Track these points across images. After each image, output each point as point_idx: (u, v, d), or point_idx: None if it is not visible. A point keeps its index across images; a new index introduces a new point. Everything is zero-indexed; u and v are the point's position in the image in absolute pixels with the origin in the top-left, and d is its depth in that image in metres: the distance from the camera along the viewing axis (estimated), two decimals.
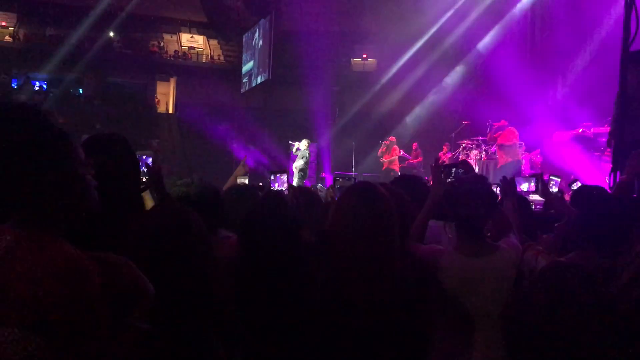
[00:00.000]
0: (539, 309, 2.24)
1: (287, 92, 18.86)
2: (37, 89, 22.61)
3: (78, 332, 1.27)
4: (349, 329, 2.02)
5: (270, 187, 3.67)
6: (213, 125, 18.00)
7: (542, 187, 3.68)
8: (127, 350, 1.41)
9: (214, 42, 24.40)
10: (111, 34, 22.53)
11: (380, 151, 14.88)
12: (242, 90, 21.08)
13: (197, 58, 23.66)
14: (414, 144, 15.27)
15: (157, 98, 23.48)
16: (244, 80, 21.03)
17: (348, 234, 2.09)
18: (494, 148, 12.53)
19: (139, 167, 2.39)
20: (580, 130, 10.54)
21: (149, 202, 2.61)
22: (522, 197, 3.55)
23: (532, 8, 14.02)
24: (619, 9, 10.50)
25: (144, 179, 2.56)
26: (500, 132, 11.16)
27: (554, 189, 4.42)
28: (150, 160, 2.72)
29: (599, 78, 11.18)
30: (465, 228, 2.44)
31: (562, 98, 12.82)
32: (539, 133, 11.65)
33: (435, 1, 15.55)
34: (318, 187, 11.20)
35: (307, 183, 12.75)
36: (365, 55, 20.48)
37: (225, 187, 3.51)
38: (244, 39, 21.38)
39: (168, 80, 24.16)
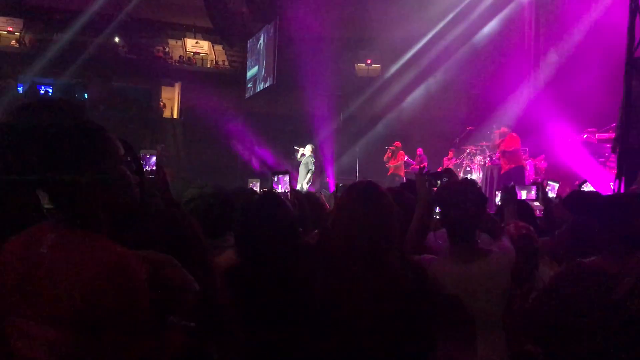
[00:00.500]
0: (557, 311, 2.21)
1: (291, 98, 18.88)
2: (42, 93, 22.71)
3: (123, 330, 1.26)
4: (346, 330, 2.00)
5: (273, 188, 3.66)
6: (222, 124, 17.98)
7: (542, 195, 3.68)
8: (171, 348, 1.40)
9: (218, 47, 24.47)
10: (116, 39, 22.62)
11: (386, 157, 14.86)
12: (247, 95, 21.12)
13: (202, 63, 23.73)
14: (419, 150, 15.26)
15: (162, 102, 23.54)
16: (249, 86, 21.07)
17: (347, 232, 2.07)
18: (498, 154, 12.51)
19: (143, 172, 2.38)
20: (584, 136, 10.51)
21: None
22: (526, 204, 3.55)
23: (536, 13, 14.02)
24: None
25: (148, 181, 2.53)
26: (503, 139, 11.12)
27: (551, 194, 4.42)
28: (153, 159, 2.68)
29: (604, 84, 11.19)
30: (457, 231, 2.42)
31: (565, 103, 12.80)
32: (543, 139, 11.62)
33: (439, 6, 15.56)
34: (322, 192, 11.19)
35: (311, 189, 12.74)
36: (369, 61, 20.51)
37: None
38: (248, 45, 21.44)
39: (173, 85, 24.23)
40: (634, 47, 3.91)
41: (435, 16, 15.85)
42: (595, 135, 10.41)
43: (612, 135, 8.36)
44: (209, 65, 23.78)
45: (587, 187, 5.55)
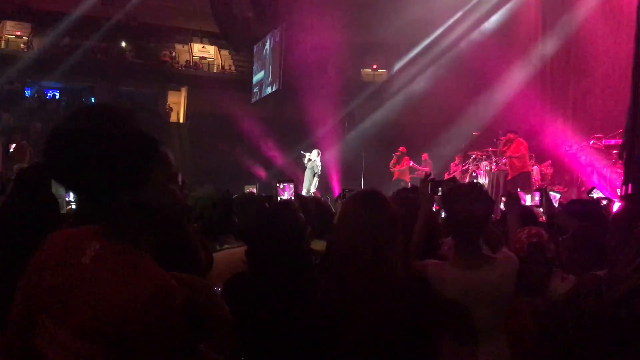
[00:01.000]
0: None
1: (297, 102, 18.91)
2: (49, 97, 22.87)
3: (155, 353, 1.23)
4: (349, 339, 2.00)
5: (279, 196, 3.69)
6: (229, 129, 18.02)
7: (545, 201, 3.67)
8: None
9: (225, 52, 24.55)
10: (123, 43, 22.74)
11: (392, 162, 14.86)
12: (253, 100, 21.18)
13: (209, 68, 23.80)
14: (424, 155, 15.24)
15: (169, 106, 23.62)
16: (255, 90, 21.13)
17: (350, 240, 2.07)
18: (504, 159, 12.48)
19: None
20: (591, 142, 10.48)
21: None
22: (530, 210, 3.52)
23: (543, 18, 14.01)
24: None
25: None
26: (510, 145, 11.09)
27: (554, 204, 4.41)
28: None
29: (612, 89, 11.16)
30: (462, 235, 2.41)
31: (572, 109, 12.77)
32: (550, 144, 11.60)
33: (445, 11, 15.58)
34: (328, 197, 11.19)
35: (317, 193, 12.77)
36: (375, 66, 20.53)
37: None
38: (254, 50, 21.52)
39: (179, 90, 24.32)
40: None
41: (441, 20, 15.88)
42: (602, 141, 10.37)
43: (619, 141, 8.33)
44: (215, 70, 23.86)
45: (596, 194, 5.53)
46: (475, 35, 15.37)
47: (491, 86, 14.10)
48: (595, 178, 9.51)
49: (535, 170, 11.57)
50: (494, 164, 12.73)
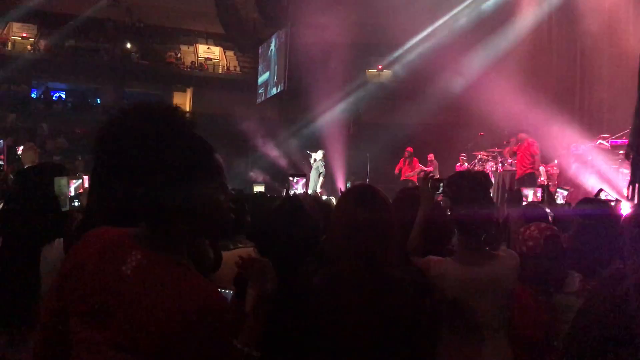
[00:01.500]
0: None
1: (302, 103, 18.92)
2: (56, 98, 22.96)
3: None
4: (345, 336, 1.98)
5: (292, 188, 3.69)
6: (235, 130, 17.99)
7: (547, 198, 3.67)
8: None
9: (230, 53, 24.60)
10: (129, 45, 22.82)
11: (400, 164, 14.82)
12: (258, 101, 21.21)
13: (214, 69, 23.84)
14: (430, 155, 15.22)
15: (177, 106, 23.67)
16: (260, 91, 21.17)
17: (343, 235, 2.04)
18: (510, 160, 12.44)
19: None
20: (597, 142, 10.44)
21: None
22: (539, 207, 3.51)
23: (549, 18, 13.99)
24: None
25: None
26: (521, 145, 11.04)
27: (561, 201, 4.39)
28: None
29: (618, 89, 11.12)
30: (468, 225, 2.39)
31: (579, 109, 12.74)
32: (556, 145, 11.55)
33: (450, 12, 15.57)
34: (333, 197, 11.19)
35: (322, 193, 12.78)
36: (380, 67, 20.52)
37: None
38: (259, 51, 21.55)
39: (185, 91, 24.38)
40: None
41: (446, 21, 15.86)
42: (608, 142, 10.33)
43: (626, 141, 8.29)
44: (220, 71, 23.90)
45: (604, 195, 5.50)
46: (482, 33, 15.34)
47: (494, 85, 14.07)
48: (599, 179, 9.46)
49: (541, 170, 11.53)
50: (500, 164, 12.70)
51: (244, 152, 18.56)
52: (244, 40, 22.41)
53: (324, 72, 16.75)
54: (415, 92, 17.28)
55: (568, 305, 2.47)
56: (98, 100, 23.65)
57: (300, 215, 2.34)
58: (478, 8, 15.52)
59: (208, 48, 24.40)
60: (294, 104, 19.57)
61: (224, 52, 24.48)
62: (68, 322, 1.26)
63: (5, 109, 19.62)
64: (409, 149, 14.73)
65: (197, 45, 24.50)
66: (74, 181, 2.56)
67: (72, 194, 2.51)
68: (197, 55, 24.12)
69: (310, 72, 16.90)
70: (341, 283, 2.02)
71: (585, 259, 2.73)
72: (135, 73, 22.27)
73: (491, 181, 2.55)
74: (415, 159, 14.64)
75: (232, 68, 24.24)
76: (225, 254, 2.40)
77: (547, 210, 3.84)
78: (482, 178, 2.56)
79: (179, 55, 24.05)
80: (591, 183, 9.29)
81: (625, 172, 9.19)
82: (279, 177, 15.57)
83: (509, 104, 12.79)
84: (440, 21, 16.24)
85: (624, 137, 9.66)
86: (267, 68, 20.45)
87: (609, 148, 10.20)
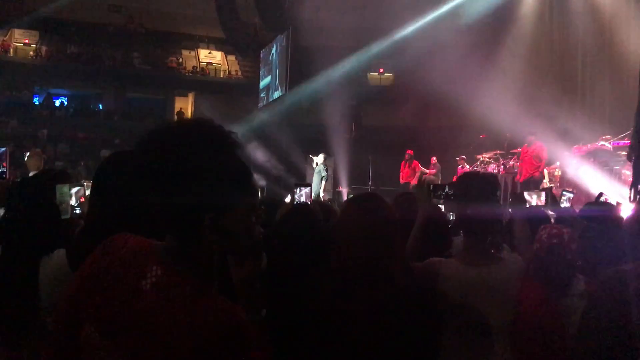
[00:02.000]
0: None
1: (304, 107, 18.93)
2: (58, 104, 23.04)
3: None
4: (354, 343, 1.98)
5: (296, 200, 3.68)
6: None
7: (551, 201, 3.65)
8: None
9: (231, 57, 24.65)
10: (130, 50, 22.89)
11: (402, 166, 14.81)
12: (260, 105, 21.24)
13: (215, 73, 23.90)
14: (433, 158, 15.21)
15: (181, 110, 23.71)
16: (262, 95, 21.20)
17: (349, 242, 2.06)
18: (511, 161, 12.45)
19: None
20: (599, 144, 10.43)
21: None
22: (542, 212, 3.50)
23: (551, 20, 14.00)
24: None
25: None
26: (530, 147, 11.04)
27: (566, 204, 4.37)
28: None
29: (619, 91, 11.12)
30: (472, 229, 2.39)
31: (580, 111, 12.73)
32: (558, 147, 11.54)
33: (452, 16, 15.58)
34: (335, 201, 11.20)
35: (325, 197, 12.79)
36: (381, 70, 20.53)
37: None
38: (261, 55, 21.59)
39: (186, 96, 24.43)
40: None
41: (448, 24, 15.87)
42: (610, 143, 10.32)
43: (628, 142, 8.29)
44: (222, 76, 23.95)
45: (605, 199, 5.49)
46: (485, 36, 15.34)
47: (496, 87, 14.08)
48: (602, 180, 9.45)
49: (544, 173, 11.52)
50: (502, 166, 12.70)
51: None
52: (245, 44, 22.45)
53: (325, 76, 16.77)
54: (417, 95, 17.28)
55: (572, 307, 2.47)
56: (100, 105, 23.73)
57: (309, 222, 2.34)
58: (480, 10, 15.51)
59: (209, 53, 24.46)
60: (295, 107, 19.59)
61: (226, 57, 24.54)
62: (80, 329, 1.24)
63: (8, 115, 19.69)
64: (409, 151, 14.72)
65: (199, 50, 24.56)
66: (76, 188, 2.56)
67: (74, 201, 2.50)
68: (199, 60, 24.18)
69: (311, 75, 16.93)
70: (349, 291, 2.02)
71: (589, 261, 2.73)
72: (137, 78, 22.34)
73: (499, 183, 2.54)
74: (416, 161, 14.63)
75: (233, 72, 24.29)
76: None
77: (550, 212, 3.84)
78: (491, 179, 2.56)
79: (180, 60, 24.12)
80: (593, 185, 9.27)
81: (627, 174, 9.18)
82: (280, 182, 15.57)
83: (511, 105, 12.80)
84: (442, 24, 16.23)
85: (626, 139, 9.65)
86: (269, 72, 20.49)
87: (611, 149, 10.19)
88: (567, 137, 11.34)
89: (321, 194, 12.92)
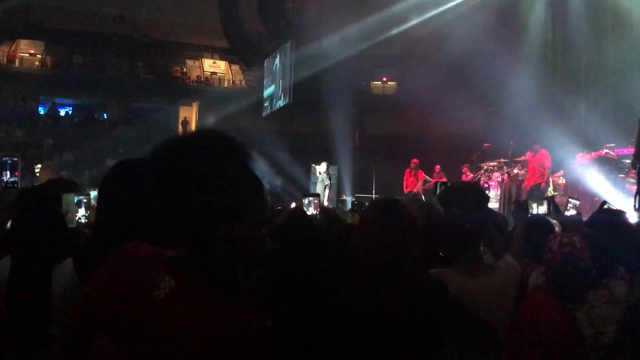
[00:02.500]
0: None
1: (307, 116, 18.99)
2: (63, 114, 23.15)
3: None
4: (375, 345, 1.99)
5: (305, 210, 3.70)
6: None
7: (553, 210, 3.64)
8: None
9: (235, 67, 24.75)
10: (135, 60, 23.02)
11: (406, 175, 14.80)
12: (264, 114, 21.30)
13: (219, 83, 23.98)
14: (437, 167, 15.20)
15: (185, 119, 23.79)
16: (265, 105, 21.26)
17: (370, 247, 2.07)
18: (516, 170, 12.44)
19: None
20: (603, 152, 10.41)
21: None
22: (546, 220, 3.49)
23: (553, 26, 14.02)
24: None
25: None
26: (535, 155, 11.07)
27: (572, 212, 4.36)
28: None
29: (621, 98, 11.12)
30: (461, 236, 2.37)
31: (584, 119, 12.72)
32: (562, 155, 11.53)
33: (454, 24, 15.61)
34: (339, 210, 11.21)
35: (329, 204, 12.81)
36: (385, 79, 20.59)
37: None
38: (265, 64, 21.67)
39: (190, 105, 24.51)
40: None
41: (450, 33, 15.90)
42: (614, 151, 10.30)
43: (632, 150, 8.28)
44: (226, 85, 24.04)
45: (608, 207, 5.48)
46: (486, 45, 15.37)
47: (501, 96, 14.09)
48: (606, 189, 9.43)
49: (549, 181, 11.51)
50: (506, 174, 12.68)
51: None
52: (249, 54, 22.55)
53: (329, 84, 16.81)
54: (420, 103, 17.32)
55: (596, 316, 2.44)
56: (104, 115, 23.82)
57: (305, 229, 2.35)
58: (483, 18, 15.55)
59: (214, 62, 24.57)
60: (298, 116, 19.64)
61: (230, 66, 24.64)
62: (93, 339, 1.24)
63: (13, 125, 19.79)
64: (414, 160, 14.70)
65: (203, 59, 24.68)
66: (82, 197, 2.58)
67: (83, 211, 2.52)
68: (203, 69, 24.28)
69: (314, 84, 16.97)
70: (371, 293, 2.03)
71: (599, 269, 2.71)
72: (141, 88, 22.43)
73: (484, 192, 2.52)
74: (421, 171, 14.61)
75: (237, 82, 24.38)
76: None
77: (554, 221, 3.83)
78: (476, 189, 2.54)
79: (184, 69, 24.22)
80: (597, 193, 9.25)
81: (632, 182, 9.15)
82: (284, 191, 15.59)
83: (515, 113, 12.81)
84: (445, 32, 16.26)
85: (630, 147, 9.63)
86: (273, 82, 20.56)
87: (615, 157, 10.17)
88: (571, 145, 11.32)
89: (325, 203, 12.95)
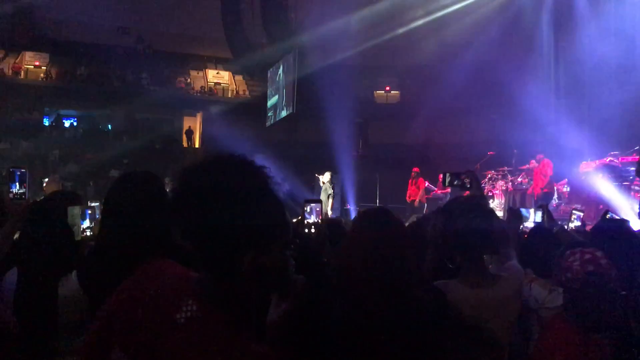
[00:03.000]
0: None
1: (311, 125, 19.00)
2: (67, 125, 23.25)
3: None
4: (369, 355, 1.98)
5: (305, 218, 3.65)
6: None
7: (547, 218, 3.61)
8: None
9: (239, 77, 24.84)
10: (139, 71, 23.12)
11: (410, 184, 14.80)
12: (267, 124, 21.34)
13: (223, 93, 24.06)
14: (440, 175, 15.17)
15: (190, 128, 23.84)
16: (269, 114, 21.31)
17: (362, 257, 2.02)
18: (520, 178, 12.43)
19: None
20: (607, 160, 10.40)
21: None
22: (549, 231, 3.46)
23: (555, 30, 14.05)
24: None
25: None
26: (539, 164, 11.10)
27: (577, 223, 4.35)
28: None
29: (626, 105, 11.11)
30: (467, 251, 2.34)
31: (588, 126, 12.71)
32: (566, 163, 11.53)
33: (456, 32, 15.66)
34: (343, 219, 11.19)
35: (333, 214, 12.79)
36: (388, 88, 20.63)
37: None
38: (268, 74, 21.75)
39: (195, 115, 24.59)
40: None
41: (452, 41, 15.95)
42: (618, 158, 10.29)
43: (636, 158, 8.27)
44: (229, 95, 24.12)
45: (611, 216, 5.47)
46: (489, 54, 15.40)
47: (506, 104, 14.11)
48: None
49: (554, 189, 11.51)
50: (510, 183, 12.66)
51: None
52: (252, 64, 22.64)
53: (332, 94, 16.86)
54: (423, 112, 17.34)
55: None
56: (109, 126, 23.91)
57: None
58: (485, 27, 15.60)
59: (217, 73, 24.66)
60: (302, 126, 19.68)
61: (233, 77, 24.73)
62: (110, 351, 1.24)
63: (18, 136, 19.88)
64: (415, 169, 14.73)
65: (207, 70, 24.77)
66: (87, 210, 2.59)
67: (88, 223, 2.53)
68: (207, 80, 24.38)
69: (318, 94, 17.02)
70: (364, 310, 1.98)
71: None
72: (145, 99, 22.51)
73: (487, 203, 2.51)
74: (421, 179, 14.62)
75: (241, 92, 24.46)
76: None
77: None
78: (473, 199, 2.53)
79: (188, 80, 24.32)
80: (601, 201, 9.23)
81: (636, 189, 9.14)
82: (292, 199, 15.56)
83: (519, 122, 12.82)
84: (449, 40, 16.32)
85: (634, 154, 9.62)
86: (276, 92, 20.62)
87: (619, 165, 10.16)
88: (575, 153, 11.33)
89: (329, 212, 12.93)
